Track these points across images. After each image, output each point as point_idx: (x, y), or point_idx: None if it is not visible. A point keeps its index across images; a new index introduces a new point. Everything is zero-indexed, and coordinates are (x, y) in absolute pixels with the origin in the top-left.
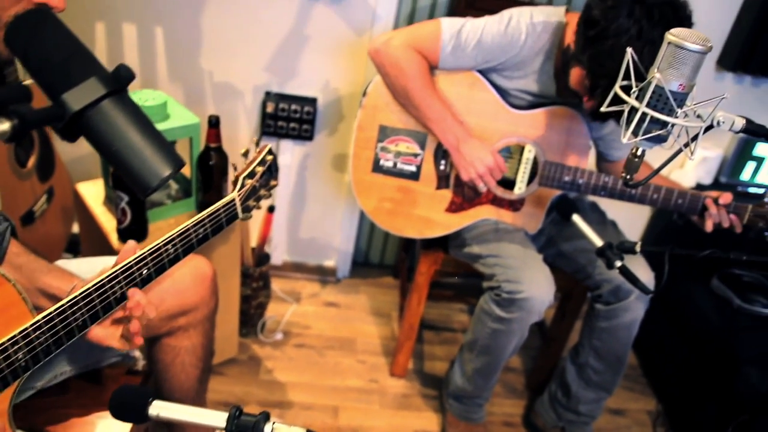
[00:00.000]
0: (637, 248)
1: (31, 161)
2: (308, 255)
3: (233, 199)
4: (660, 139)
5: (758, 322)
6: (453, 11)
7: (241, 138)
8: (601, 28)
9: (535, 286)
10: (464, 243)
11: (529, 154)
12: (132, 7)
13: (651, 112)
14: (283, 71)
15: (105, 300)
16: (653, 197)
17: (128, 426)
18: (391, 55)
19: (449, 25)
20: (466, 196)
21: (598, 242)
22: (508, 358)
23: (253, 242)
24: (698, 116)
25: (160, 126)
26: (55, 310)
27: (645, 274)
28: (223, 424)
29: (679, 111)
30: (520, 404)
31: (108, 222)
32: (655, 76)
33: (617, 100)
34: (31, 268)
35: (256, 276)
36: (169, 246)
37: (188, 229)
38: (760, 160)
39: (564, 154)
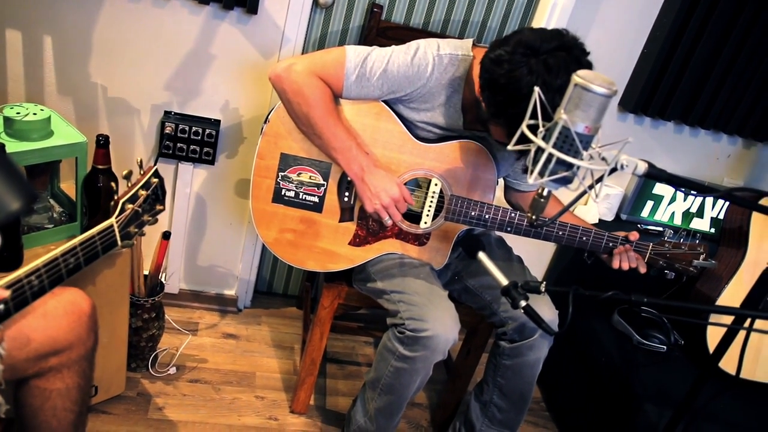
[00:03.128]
0: (542, 288)
1: None
2: (207, 283)
3: (111, 225)
4: (565, 181)
5: (656, 357)
6: (364, 39)
7: (135, 158)
8: (509, 92)
9: (440, 324)
10: (368, 277)
11: (435, 187)
12: (17, 11)
13: (557, 153)
14: (184, 90)
15: None
16: (559, 234)
17: None
18: (293, 81)
19: (354, 53)
20: (370, 229)
21: (504, 281)
22: (411, 397)
23: (147, 269)
24: (603, 158)
25: (42, 143)
26: None
27: (549, 312)
28: None
29: (585, 153)
30: None
31: None
32: (562, 117)
33: (525, 139)
34: None
35: (148, 306)
36: (33, 277)
37: (56, 259)
38: (658, 199)
39: (470, 188)
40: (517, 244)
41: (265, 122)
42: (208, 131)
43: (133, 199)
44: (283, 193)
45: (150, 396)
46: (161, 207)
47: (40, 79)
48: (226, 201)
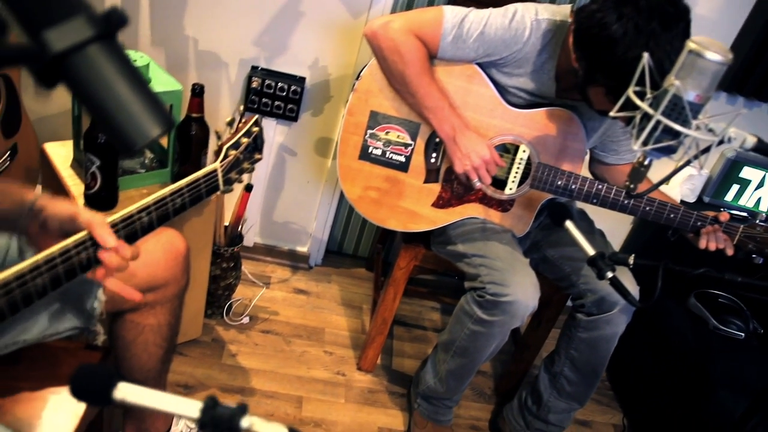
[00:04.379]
0: (631, 261)
1: None
2: (281, 239)
3: (215, 170)
4: (669, 150)
5: (733, 344)
6: (453, 0)
7: (222, 111)
8: (601, 40)
9: (521, 290)
10: (449, 240)
11: (523, 154)
12: None
13: (666, 121)
14: (272, 47)
15: (69, 266)
16: (646, 209)
17: (82, 405)
18: (389, 39)
19: (452, 13)
20: (455, 191)
21: (591, 251)
22: (484, 362)
23: (227, 220)
24: (710, 130)
25: None
26: (14, 274)
27: (631, 286)
28: (196, 414)
29: (693, 122)
30: (487, 409)
31: (75, 186)
32: (674, 83)
33: (628, 106)
34: None
35: (227, 256)
36: (143, 213)
37: (165, 198)
38: (745, 183)
39: (558, 157)
40: (593, 218)
41: (357, 78)
42: (293, 88)
43: (235, 146)
44: (370, 151)
45: (224, 342)
46: (260, 156)
47: (135, 30)
48: (306, 158)
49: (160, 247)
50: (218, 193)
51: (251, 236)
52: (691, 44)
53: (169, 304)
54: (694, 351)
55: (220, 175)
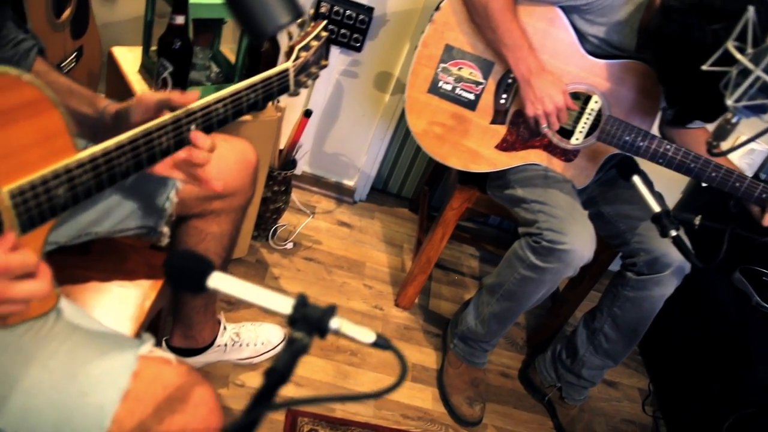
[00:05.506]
0: (697, 221)
1: (66, 13)
2: (329, 170)
3: (287, 69)
4: (762, 109)
5: None
6: None
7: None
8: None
9: (579, 240)
10: (508, 184)
11: (594, 105)
12: None
13: (765, 77)
14: None
15: (151, 149)
16: (712, 175)
17: (147, 302)
18: None
19: None
20: (520, 135)
21: (656, 207)
22: (529, 308)
23: (282, 144)
24: None
25: (213, 0)
26: (101, 150)
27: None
28: (288, 310)
29: None
30: (518, 358)
31: (141, 90)
32: None
33: (724, 61)
34: (58, 88)
35: (280, 179)
36: (219, 105)
37: (240, 91)
38: None
39: (630, 112)
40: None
41: (436, 9)
42: (360, 17)
43: (305, 48)
44: (439, 85)
45: (267, 265)
46: (326, 62)
47: None
48: (364, 91)
49: (233, 156)
50: (287, 94)
51: (301, 164)
52: None
53: (233, 214)
54: (734, 325)
55: (291, 74)
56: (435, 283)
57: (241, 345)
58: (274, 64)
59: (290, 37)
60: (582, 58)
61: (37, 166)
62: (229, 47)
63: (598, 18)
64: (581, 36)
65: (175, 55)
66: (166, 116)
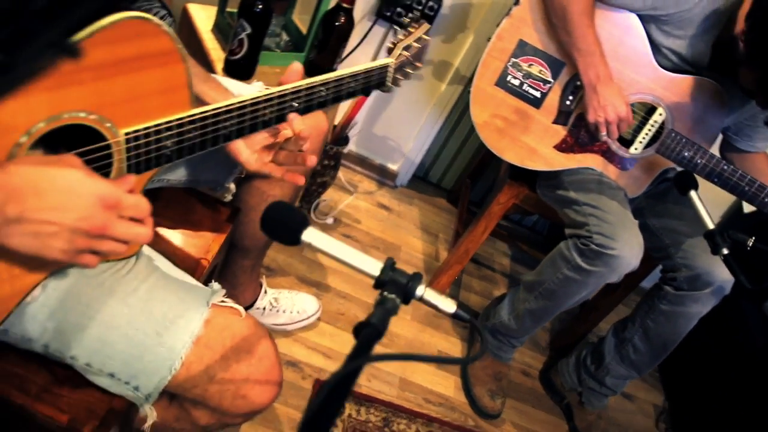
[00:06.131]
0: (750, 243)
1: None
2: (375, 152)
3: (388, 65)
4: None
5: None
6: None
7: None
8: None
9: (628, 247)
10: (560, 185)
11: (658, 116)
12: None
13: None
14: None
15: (255, 118)
16: (765, 200)
17: (205, 251)
18: None
19: None
20: (579, 138)
21: (711, 224)
22: (564, 310)
23: (337, 120)
24: None
25: None
26: (211, 110)
27: (726, 272)
28: (376, 272)
29: None
30: (540, 359)
31: (215, 50)
32: None
33: None
34: (196, 72)
35: (331, 154)
36: (323, 88)
37: (344, 77)
38: None
39: (692, 128)
40: None
41: (515, 4)
42: (430, 3)
43: (407, 48)
44: (508, 79)
45: None
46: (420, 65)
47: None
48: (421, 78)
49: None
50: (385, 88)
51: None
52: None
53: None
54: (760, 353)
55: (391, 71)
56: (467, 276)
57: (278, 311)
58: (346, 39)
59: (396, 32)
60: (653, 69)
61: (155, 115)
62: (300, 17)
63: (675, 30)
64: (655, 47)
65: (255, 17)
66: (273, 89)
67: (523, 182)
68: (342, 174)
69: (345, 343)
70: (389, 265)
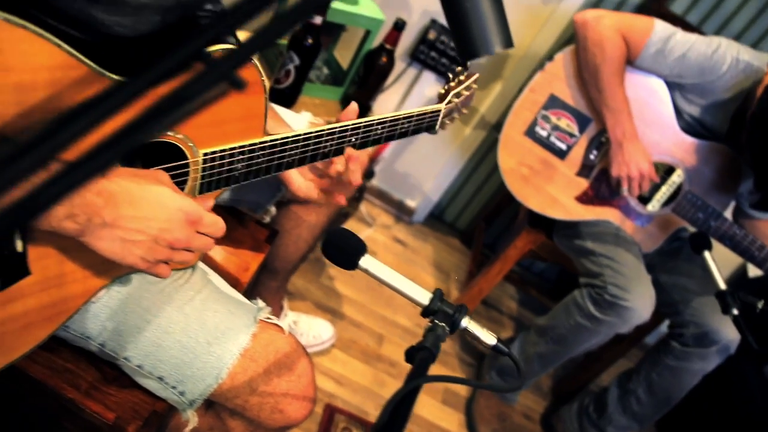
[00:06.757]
0: (759, 305)
1: None
2: (395, 188)
3: (439, 110)
4: None
5: None
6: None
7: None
8: None
9: (641, 299)
10: (578, 235)
11: (677, 177)
12: None
13: None
14: None
15: (317, 150)
16: None
17: (244, 269)
18: (598, 32)
19: (662, 27)
20: (600, 192)
21: (722, 285)
22: (573, 356)
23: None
24: None
25: (348, 7)
26: (280, 139)
27: (732, 331)
28: (425, 301)
29: None
30: (541, 403)
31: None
32: None
33: None
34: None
35: None
36: (379, 127)
37: (399, 118)
38: None
39: (708, 191)
40: None
41: (549, 60)
42: None
43: (457, 95)
44: (536, 130)
45: (324, 264)
46: (466, 111)
47: None
48: None
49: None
50: (433, 131)
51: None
52: None
53: (332, 207)
54: (760, 416)
55: (441, 115)
56: (475, 316)
57: (296, 333)
58: (385, 78)
59: (447, 81)
60: (675, 132)
61: (231, 139)
62: (340, 53)
63: (697, 99)
64: (678, 111)
65: (304, 51)
66: (336, 125)
67: (540, 229)
68: (362, 206)
69: (356, 370)
70: (438, 296)
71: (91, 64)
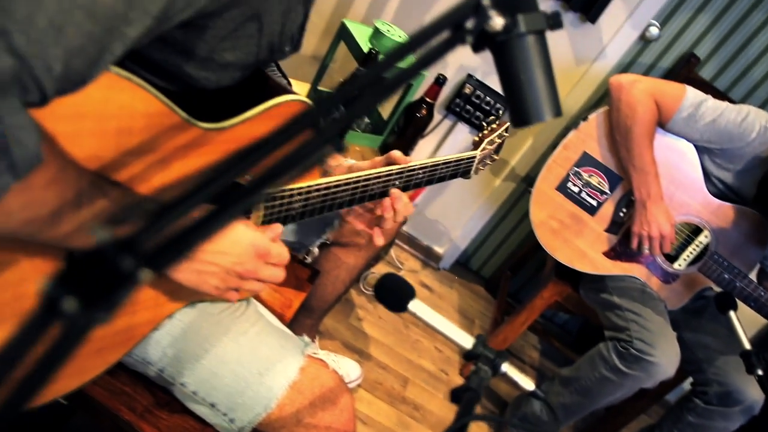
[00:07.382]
0: None
1: None
2: (424, 234)
3: (474, 156)
4: None
5: None
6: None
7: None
8: None
9: (666, 356)
10: (604, 289)
11: (704, 238)
12: None
13: None
14: (491, 63)
15: (365, 192)
16: None
17: (286, 307)
18: (632, 96)
19: (694, 94)
20: (628, 249)
21: (747, 345)
22: (596, 409)
23: None
24: None
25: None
26: (334, 182)
27: (757, 392)
28: (469, 345)
29: None
30: None
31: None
32: None
33: None
34: None
35: None
36: (420, 171)
37: (438, 164)
38: None
39: (734, 253)
40: None
41: (583, 119)
42: (497, 105)
43: (491, 142)
44: (568, 185)
45: (354, 305)
46: (496, 157)
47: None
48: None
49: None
50: (468, 177)
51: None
52: None
53: (371, 251)
54: None
55: (476, 162)
56: None
57: None
58: (424, 129)
59: (482, 129)
60: (703, 194)
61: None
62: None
63: (726, 163)
64: (706, 174)
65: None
66: (382, 169)
67: (567, 281)
68: (392, 250)
69: (380, 411)
70: (481, 342)
71: (182, 113)
